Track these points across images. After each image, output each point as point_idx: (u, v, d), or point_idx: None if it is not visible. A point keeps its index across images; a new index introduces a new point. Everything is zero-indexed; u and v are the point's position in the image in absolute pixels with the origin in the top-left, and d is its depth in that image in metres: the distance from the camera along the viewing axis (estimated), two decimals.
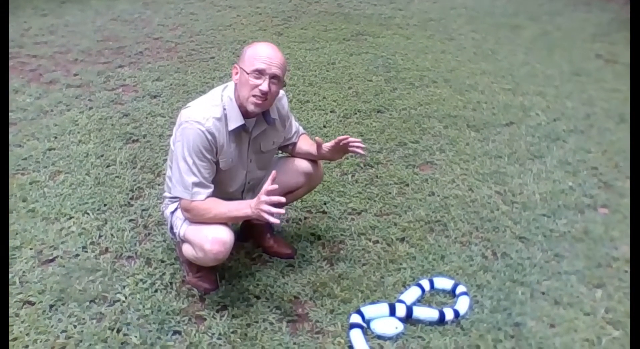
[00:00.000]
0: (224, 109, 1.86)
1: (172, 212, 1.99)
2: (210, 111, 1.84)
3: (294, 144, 2.19)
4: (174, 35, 5.30)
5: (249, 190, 2.11)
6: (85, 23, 5.65)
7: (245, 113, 1.88)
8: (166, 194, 2.03)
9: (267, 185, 1.74)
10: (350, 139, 1.98)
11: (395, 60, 4.73)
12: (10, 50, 4.75)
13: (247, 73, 1.80)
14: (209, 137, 1.82)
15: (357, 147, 1.99)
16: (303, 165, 2.13)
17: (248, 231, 2.33)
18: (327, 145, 2.04)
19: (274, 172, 1.78)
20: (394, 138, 3.34)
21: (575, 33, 5.91)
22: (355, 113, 3.67)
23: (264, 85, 1.79)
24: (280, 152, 2.30)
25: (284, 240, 2.34)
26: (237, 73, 1.87)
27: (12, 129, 3.29)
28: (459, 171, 2.99)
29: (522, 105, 3.90)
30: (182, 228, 1.92)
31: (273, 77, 1.80)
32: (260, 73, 1.79)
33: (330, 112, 3.68)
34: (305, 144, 2.17)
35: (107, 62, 4.51)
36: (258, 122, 1.95)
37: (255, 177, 2.08)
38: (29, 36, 5.18)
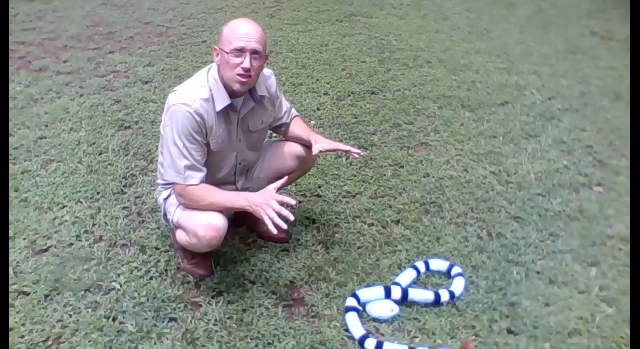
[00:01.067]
0: (210, 90, 1.84)
1: (165, 199, 1.98)
2: (197, 92, 1.82)
3: (287, 126, 2.16)
4: (165, 19, 5.23)
5: (241, 172, 2.10)
6: (74, 8, 5.56)
7: (232, 93, 1.86)
8: (159, 181, 2.01)
9: (279, 182, 1.76)
10: (353, 150, 2.00)
11: (388, 41, 4.68)
12: None
13: (227, 53, 1.77)
14: (198, 118, 1.80)
15: (355, 153, 2.02)
16: (296, 148, 2.11)
17: (242, 216, 2.32)
18: (324, 147, 2.01)
19: (286, 177, 1.78)
20: (388, 119, 3.32)
21: (571, 10, 5.85)
22: (349, 95, 3.64)
23: (246, 62, 1.76)
24: (273, 135, 2.29)
25: None
26: (217, 54, 1.84)
27: None
28: (454, 152, 2.98)
29: (517, 84, 3.87)
30: (176, 214, 1.91)
31: (253, 52, 1.77)
32: (240, 51, 1.76)
33: (324, 94, 3.65)
34: (298, 128, 2.15)
35: (97, 48, 4.45)
36: (245, 101, 1.93)
37: (246, 158, 2.06)
38: (17, 22, 5.09)
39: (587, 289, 2.05)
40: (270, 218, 1.69)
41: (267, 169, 2.14)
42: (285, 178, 1.90)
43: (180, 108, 1.79)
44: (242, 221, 2.33)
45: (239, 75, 1.78)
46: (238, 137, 1.97)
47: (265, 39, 1.83)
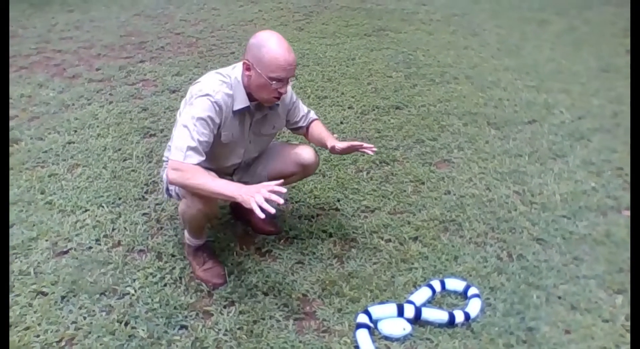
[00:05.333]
0: (232, 89, 1.89)
1: None
2: (220, 86, 1.87)
3: (306, 129, 2.22)
4: (196, 30, 5.34)
5: (242, 168, 2.16)
6: (110, 18, 5.74)
7: (251, 97, 1.91)
8: (165, 157, 2.11)
9: (274, 183, 1.73)
10: (365, 145, 2.00)
11: (416, 56, 4.66)
12: (37, 45, 4.87)
13: (267, 78, 1.81)
14: (217, 108, 1.84)
15: (369, 148, 2.01)
16: (300, 156, 2.14)
17: (238, 210, 2.40)
18: (339, 147, 2.04)
19: (282, 180, 1.79)
20: (412, 135, 3.29)
21: (605, 27, 5.72)
22: (373, 110, 3.62)
23: (284, 89, 1.85)
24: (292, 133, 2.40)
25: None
26: (249, 69, 1.85)
27: (34, 123, 3.37)
28: (477, 169, 2.92)
29: (546, 103, 3.79)
30: None
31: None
32: (282, 80, 1.82)
33: (348, 108, 3.64)
34: (318, 132, 2.20)
35: (129, 57, 4.57)
36: (261, 106, 1.97)
37: (251, 157, 2.13)
38: (55, 31, 5.29)
39: (612, 318, 1.96)
40: (258, 204, 1.61)
41: (271, 169, 2.18)
42: (281, 181, 1.80)
43: (203, 97, 1.83)
44: (238, 215, 2.41)
45: (275, 97, 1.87)
46: (249, 138, 2.03)
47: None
